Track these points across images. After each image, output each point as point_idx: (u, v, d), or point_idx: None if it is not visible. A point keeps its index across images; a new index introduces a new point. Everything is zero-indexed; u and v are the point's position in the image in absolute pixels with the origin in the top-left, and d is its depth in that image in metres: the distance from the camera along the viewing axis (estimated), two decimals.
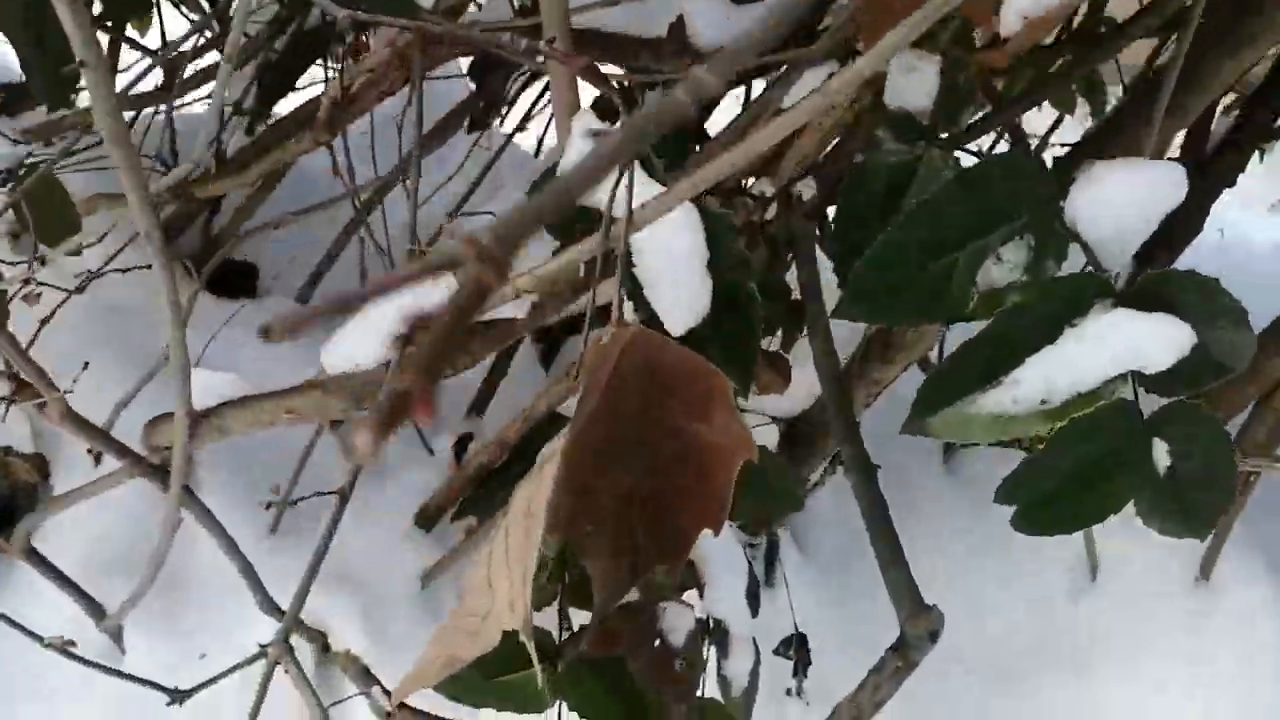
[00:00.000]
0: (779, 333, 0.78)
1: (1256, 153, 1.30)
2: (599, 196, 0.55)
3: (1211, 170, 1.11)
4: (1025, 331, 0.53)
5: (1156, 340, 0.52)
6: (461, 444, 1.03)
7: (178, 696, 0.67)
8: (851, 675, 0.71)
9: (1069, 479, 0.55)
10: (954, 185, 0.55)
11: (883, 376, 0.85)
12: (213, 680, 0.72)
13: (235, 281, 1.20)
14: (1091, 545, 0.86)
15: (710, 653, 0.65)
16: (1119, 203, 0.54)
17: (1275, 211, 2.16)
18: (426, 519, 0.96)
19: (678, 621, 0.64)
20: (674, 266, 0.56)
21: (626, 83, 0.78)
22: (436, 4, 0.80)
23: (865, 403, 0.86)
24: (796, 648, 0.84)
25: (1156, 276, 0.53)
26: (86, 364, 0.74)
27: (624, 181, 0.52)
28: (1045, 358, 0.53)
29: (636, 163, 0.55)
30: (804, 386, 0.89)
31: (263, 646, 0.65)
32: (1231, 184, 1.14)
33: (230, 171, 0.94)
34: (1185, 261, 1.58)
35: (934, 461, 1.02)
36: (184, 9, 1.26)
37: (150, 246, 0.49)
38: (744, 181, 0.73)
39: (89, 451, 0.78)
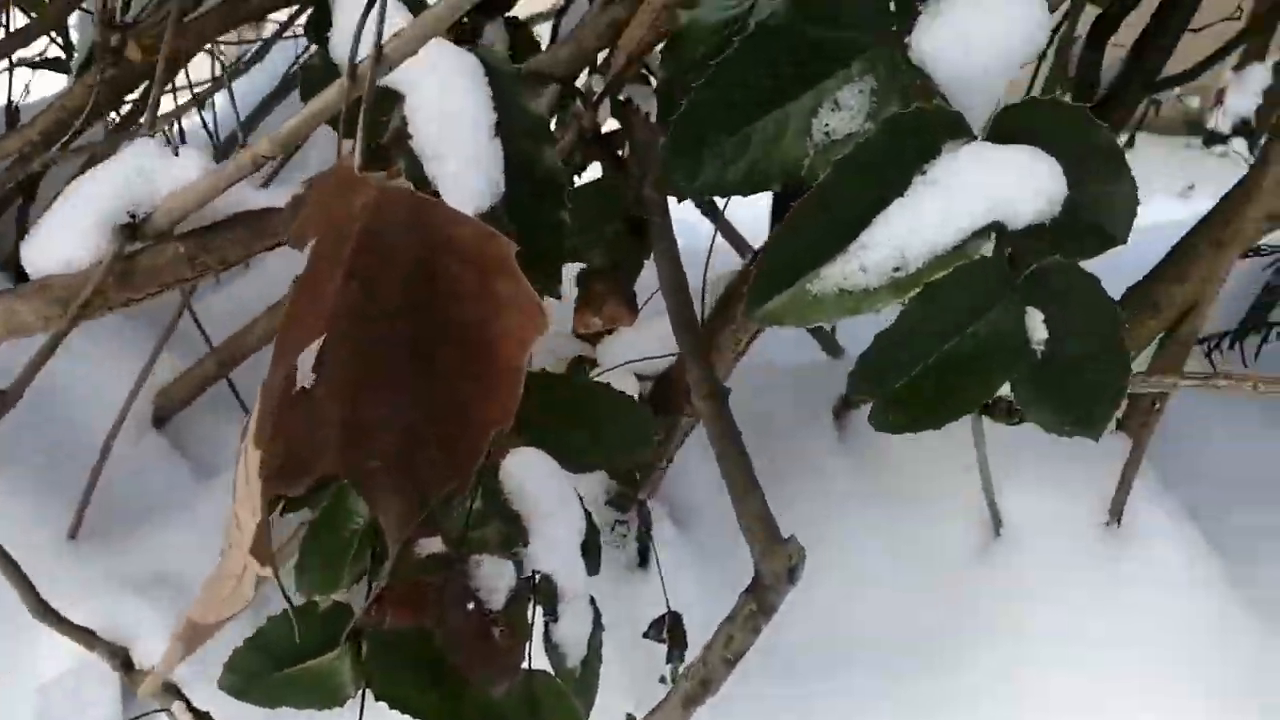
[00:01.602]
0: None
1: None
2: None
3: (1104, 116, 1.06)
4: (868, 183, 0.45)
5: (1021, 180, 0.44)
6: None
7: None
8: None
9: (930, 359, 0.46)
10: (777, 22, 0.46)
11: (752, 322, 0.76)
12: None
13: None
14: (991, 496, 0.78)
15: (537, 616, 0.55)
16: (973, 37, 0.46)
17: (1184, 197, 2.15)
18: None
19: (495, 579, 0.53)
20: (453, 134, 0.47)
21: None
22: None
23: (736, 348, 0.77)
24: (670, 629, 0.74)
25: (1019, 107, 0.45)
26: None
27: (374, 14, 0.43)
28: (894, 214, 0.45)
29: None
30: (667, 337, 0.80)
31: None
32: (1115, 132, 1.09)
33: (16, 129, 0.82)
34: None
35: (825, 428, 0.93)
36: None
37: None
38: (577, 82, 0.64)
39: None
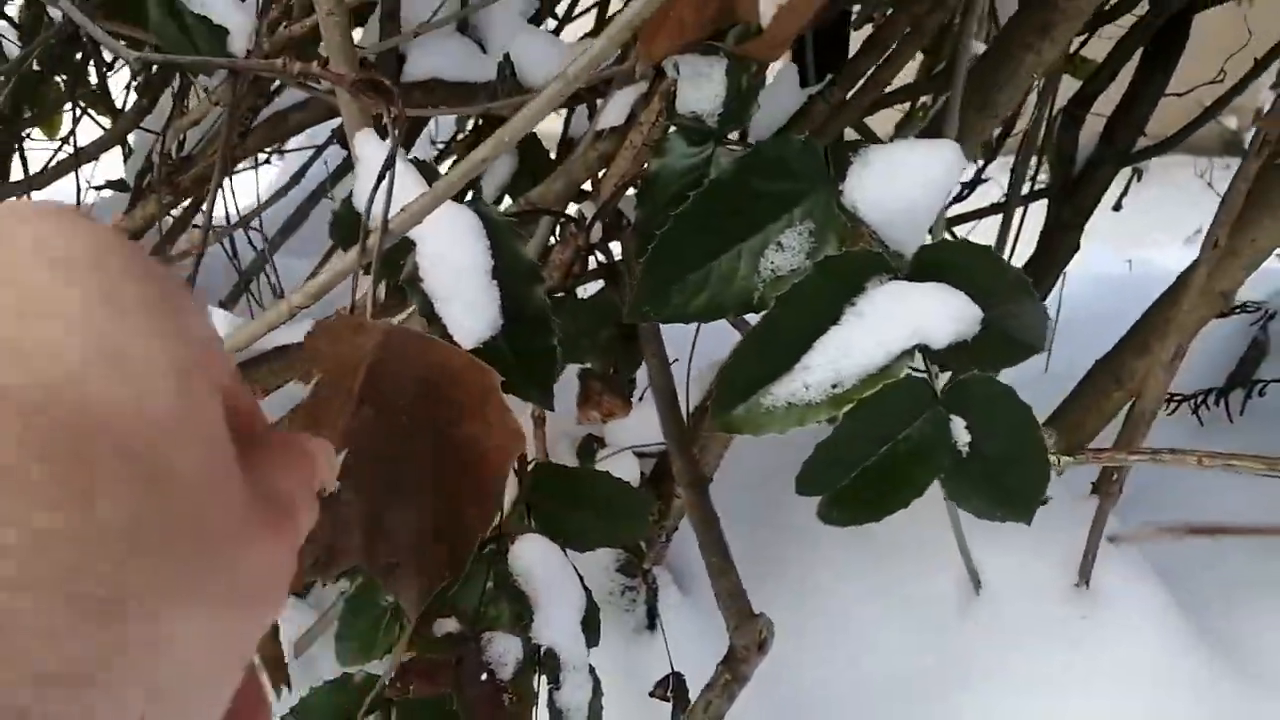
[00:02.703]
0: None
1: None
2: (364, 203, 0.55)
3: (1078, 192, 1.13)
4: (806, 314, 0.52)
5: (935, 312, 0.51)
6: None
7: None
8: (735, 714, 0.69)
9: (866, 464, 0.53)
10: (727, 177, 0.54)
11: None
12: None
13: None
14: (967, 556, 0.84)
15: (542, 684, 0.62)
16: (898, 183, 0.54)
17: (1190, 244, 2.19)
18: (300, 584, 0.93)
19: (505, 652, 0.61)
20: (456, 280, 0.55)
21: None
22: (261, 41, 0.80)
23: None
24: (674, 688, 0.81)
25: (934, 248, 0.53)
26: None
27: (384, 185, 0.51)
28: (830, 340, 0.52)
29: (409, 165, 0.55)
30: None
31: None
32: (1094, 204, 1.15)
33: None
34: (1090, 292, 1.59)
35: None
36: (91, 112, 1.28)
37: None
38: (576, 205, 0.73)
39: None
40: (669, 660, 0.82)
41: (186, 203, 0.96)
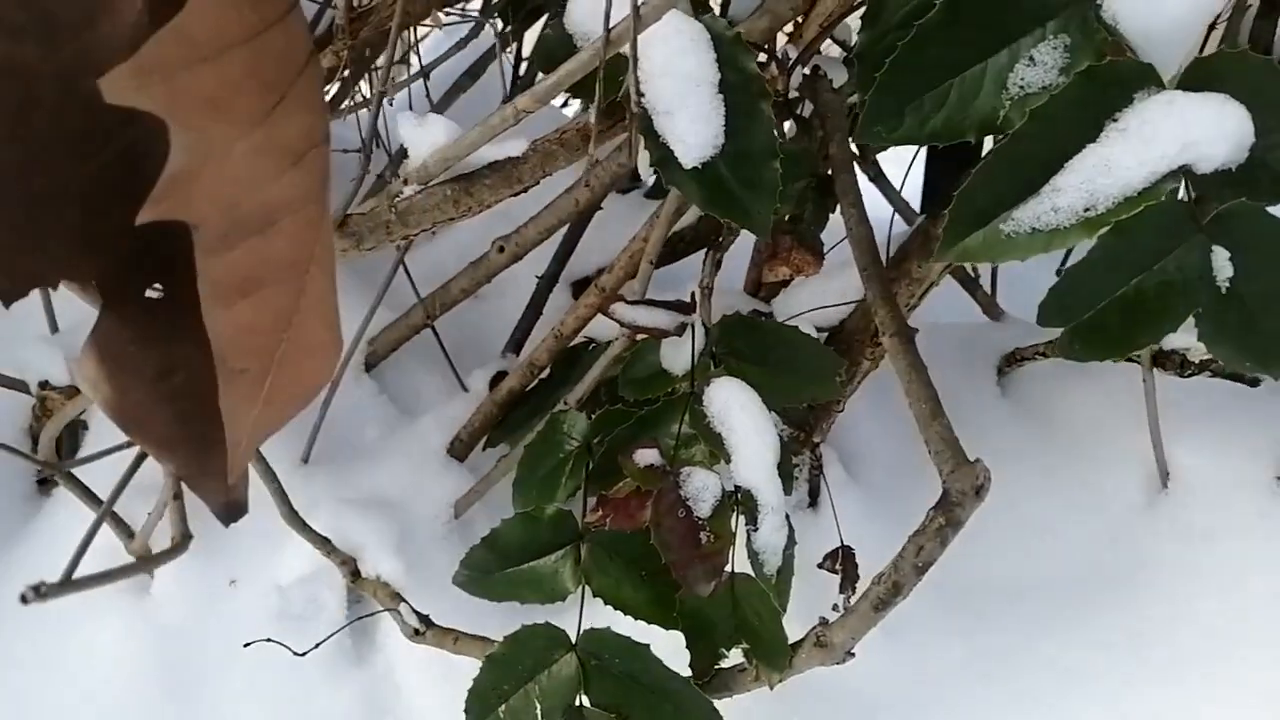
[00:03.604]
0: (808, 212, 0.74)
1: None
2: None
3: None
4: (1062, 131, 0.49)
5: (1210, 127, 0.47)
6: (497, 381, 1.01)
7: None
8: (903, 610, 0.66)
9: (1118, 293, 0.50)
10: None
11: (926, 274, 0.80)
12: None
13: None
14: (1160, 449, 0.80)
15: (740, 525, 0.61)
16: None
17: None
18: (460, 449, 0.93)
19: (703, 490, 0.60)
20: (682, 91, 0.53)
21: None
22: None
23: (908, 303, 0.82)
24: (843, 561, 0.79)
25: (1210, 58, 0.49)
26: None
27: None
28: (1086, 159, 0.49)
29: None
30: (843, 290, 0.85)
31: None
32: None
33: None
34: None
35: (988, 385, 0.97)
36: None
37: None
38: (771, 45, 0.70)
39: None
40: (838, 533, 0.80)
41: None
